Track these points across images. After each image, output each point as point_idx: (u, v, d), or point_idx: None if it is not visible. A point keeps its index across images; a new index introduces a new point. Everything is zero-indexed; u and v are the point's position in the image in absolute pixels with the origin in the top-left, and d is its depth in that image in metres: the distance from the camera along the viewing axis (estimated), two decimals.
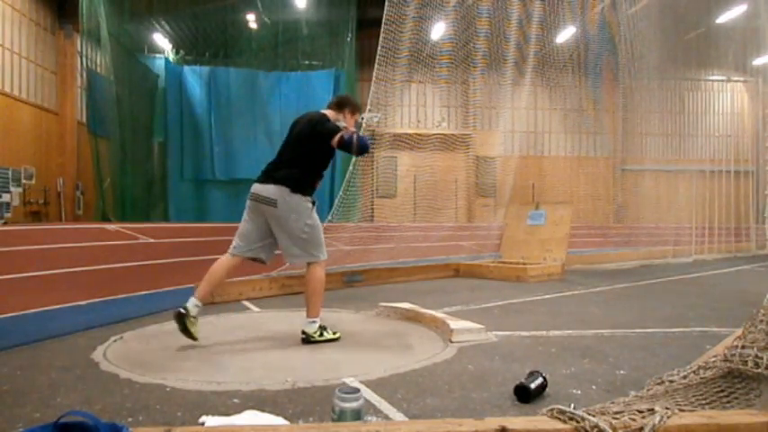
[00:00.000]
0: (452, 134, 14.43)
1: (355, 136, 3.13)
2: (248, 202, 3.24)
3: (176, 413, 1.96)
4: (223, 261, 3.24)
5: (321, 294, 3.26)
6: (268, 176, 3.21)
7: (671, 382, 1.78)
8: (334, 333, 3.25)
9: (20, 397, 2.13)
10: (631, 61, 11.76)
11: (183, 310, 2.99)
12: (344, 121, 3.37)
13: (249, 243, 3.23)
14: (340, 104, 3.44)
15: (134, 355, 2.83)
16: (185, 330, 2.99)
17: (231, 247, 3.26)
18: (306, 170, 3.24)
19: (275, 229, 3.20)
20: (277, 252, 3.37)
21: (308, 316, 3.20)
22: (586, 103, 16.13)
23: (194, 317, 3.03)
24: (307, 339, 3.16)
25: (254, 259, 3.30)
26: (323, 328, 3.22)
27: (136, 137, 13.77)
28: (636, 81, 12.68)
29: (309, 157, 3.23)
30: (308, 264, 3.24)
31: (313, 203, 3.25)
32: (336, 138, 3.10)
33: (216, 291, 3.17)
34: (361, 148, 3.12)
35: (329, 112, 3.39)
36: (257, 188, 3.20)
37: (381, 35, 6.77)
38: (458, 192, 14.82)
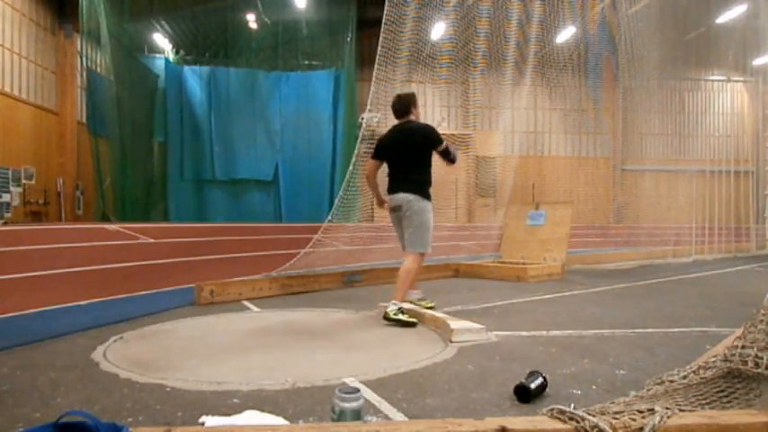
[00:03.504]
0: (452, 134, 14.40)
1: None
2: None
3: (176, 413, 1.96)
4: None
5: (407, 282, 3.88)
6: None
7: (671, 382, 1.78)
8: (410, 318, 3.62)
9: (20, 397, 2.13)
10: (631, 61, 11.76)
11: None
12: (416, 119, 4.17)
13: None
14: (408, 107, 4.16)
15: (134, 355, 2.83)
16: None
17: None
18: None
19: None
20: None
21: (394, 298, 3.76)
22: (586, 103, 16.13)
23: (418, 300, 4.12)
24: (385, 316, 3.64)
25: None
26: (401, 311, 3.64)
27: (136, 137, 13.78)
28: (636, 81, 12.69)
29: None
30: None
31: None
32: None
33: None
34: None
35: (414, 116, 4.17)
36: None
37: (381, 35, 6.77)
38: (458, 192, 14.82)
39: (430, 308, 4.08)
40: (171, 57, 15.57)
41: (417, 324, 3.61)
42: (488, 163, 14.38)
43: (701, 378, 1.70)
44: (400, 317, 3.61)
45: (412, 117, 4.11)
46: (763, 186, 14.79)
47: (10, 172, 12.11)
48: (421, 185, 3.99)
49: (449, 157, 4.01)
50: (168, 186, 15.29)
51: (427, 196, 4.01)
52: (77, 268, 5.07)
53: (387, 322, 3.61)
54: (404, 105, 4.11)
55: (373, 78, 6.78)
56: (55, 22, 14.03)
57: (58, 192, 13.78)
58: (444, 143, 3.99)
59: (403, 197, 3.97)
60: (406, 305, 3.96)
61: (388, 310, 3.64)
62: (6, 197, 12.03)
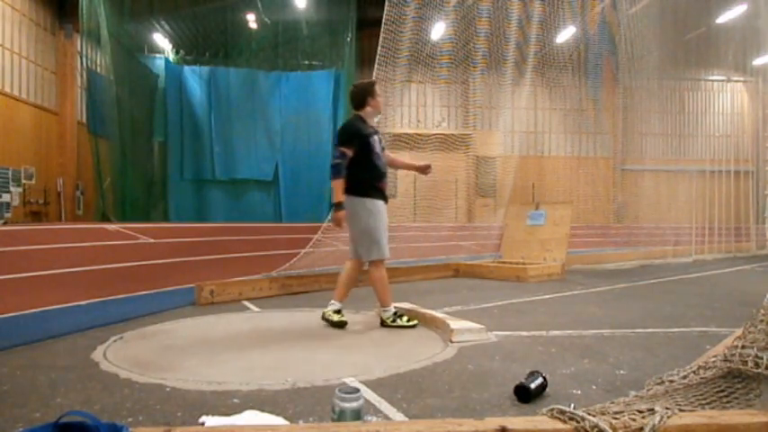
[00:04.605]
0: (452, 134, 14.43)
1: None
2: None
3: (176, 413, 1.96)
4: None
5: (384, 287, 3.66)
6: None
7: (671, 382, 1.78)
8: (409, 321, 3.60)
9: (20, 397, 2.13)
10: (631, 61, 11.76)
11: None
12: (373, 110, 3.72)
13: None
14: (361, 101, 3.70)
15: (134, 355, 2.83)
16: (334, 325, 3.54)
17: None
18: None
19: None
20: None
21: (381, 306, 3.68)
22: (586, 103, 16.14)
23: (336, 311, 3.60)
24: (383, 323, 3.61)
25: None
26: (397, 315, 3.61)
27: (136, 137, 13.78)
28: (636, 81, 12.68)
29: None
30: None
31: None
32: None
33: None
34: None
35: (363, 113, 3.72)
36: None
37: (381, 35, 6.77)
38: (458, 192, 14.83)
39: (340, 322, 3.57)
40: (171, 57, 15.58)
41: (418, 325, 3.61)
42: (488, 163, 14.39)
43: (701, 378, 1.70)
44: (399, 322, 3.58)
45: (368, 109, 3.66)
46: (763, 186, 14.79)
47: (10, 172, 12.11)
48: (353, 184, 3.57)
49: (331, 159, 3.54)
50: (168, 186, 15.29)
51: (362, 193, 3.55)
52: (77, 268, 5.07)
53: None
54: (358, 95, 3.69)
55: (373, 78, 6.78)
56: (55, 22, 14.03)
57: (58, 192, 13.79)
58: (338, 149, 3.51)
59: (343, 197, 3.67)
60: (405, 305, 3.96)
61: (385, 317, 3.62)
62: (6, 197, 12.03)
